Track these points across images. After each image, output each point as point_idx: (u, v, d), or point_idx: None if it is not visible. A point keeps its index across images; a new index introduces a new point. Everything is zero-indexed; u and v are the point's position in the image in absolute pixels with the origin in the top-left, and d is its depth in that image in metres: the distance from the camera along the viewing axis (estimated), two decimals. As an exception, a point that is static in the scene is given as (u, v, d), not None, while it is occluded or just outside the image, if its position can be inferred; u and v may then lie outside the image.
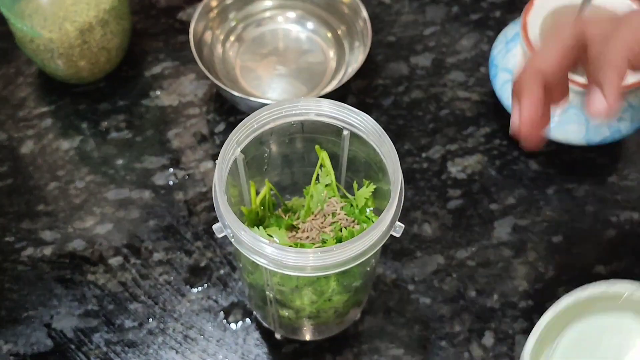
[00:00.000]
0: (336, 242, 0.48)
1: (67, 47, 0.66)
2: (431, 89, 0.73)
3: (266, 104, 0.49)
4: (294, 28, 0.76)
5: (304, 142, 0.51)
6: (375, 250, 0.44)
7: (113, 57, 0.71)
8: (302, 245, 0.48)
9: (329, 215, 0.51)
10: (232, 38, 0.74)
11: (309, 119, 0.48)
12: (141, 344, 0.59)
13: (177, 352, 0.58)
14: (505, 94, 0.66)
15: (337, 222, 0.50)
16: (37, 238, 0.64)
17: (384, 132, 0.46)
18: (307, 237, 0.49)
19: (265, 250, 0.43)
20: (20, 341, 0.59)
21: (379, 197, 0.50)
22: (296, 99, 0.48)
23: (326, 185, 0.52)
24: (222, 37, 0.74)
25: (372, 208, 0.51)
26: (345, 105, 0.48)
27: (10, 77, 0.73)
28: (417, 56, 0.75)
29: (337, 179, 0.53)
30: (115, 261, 0.62)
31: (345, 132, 0.49)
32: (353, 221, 0.50)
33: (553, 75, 0.45)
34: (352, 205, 0.51)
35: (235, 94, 0.65)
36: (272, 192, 0.53)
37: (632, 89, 0.61)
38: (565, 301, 0.51)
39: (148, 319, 0.60)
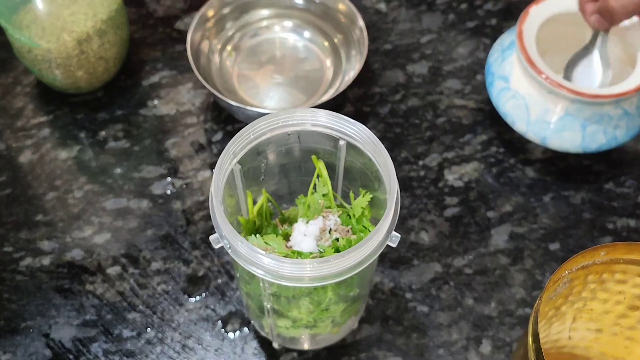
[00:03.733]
0: (333, 252, 0.48)
1: (65, 57, 0.66)
2: (428, 96, 0.73)
3: (263, 113, 0.49)
4: (291, 37, 0.76)
5: (300, 152, 0.51)
6: (371, 260, 0.44)
7: (111, 67, 0.71)
8: (300, 255, 0.48)
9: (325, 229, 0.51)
10: (229, 47, 0.75)
11: (306, 129, 0.48)
12: (139, 354, 0.59)
13: (175, 361, 0.58)
14: (501, 102, 0.66)
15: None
16: (35, 248, 0.64)
17: (380, 142, 0.46)
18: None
19: (262, 261, 0.43)
20: (18, 351, 0.59)
21: (376, 206, 0.50)
22: (292, 109, 0.48)
23: (323, 195, 0.52)
24: (219, 46, 0.74)
25: (368, 217, 0.51)
26: (341, 115, 0.48)
27: (8, 87, 0.73)
28: (414, 64, 0.75)
29: (334, 189, 0.53)
30: (113, 271, 0.63)
31: (341, 142, 0.49)
32: (348, 231, 0.50)
33: None
34: (348, 215, 0.51)
35: (233, 103, 0.65)
36: (269, 202, 0.53)
37: (627, 96, 0.61)
38: None
39: (146, 328, 0.60)
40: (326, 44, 0.75)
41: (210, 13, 0.73)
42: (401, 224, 0.65)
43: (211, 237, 0.45)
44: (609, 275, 0.50)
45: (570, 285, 0.50)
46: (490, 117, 0.72)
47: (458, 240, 0.64)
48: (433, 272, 0.62)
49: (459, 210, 0.66)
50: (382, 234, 0.44)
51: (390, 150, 0.46)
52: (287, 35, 0.76)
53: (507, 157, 0.69)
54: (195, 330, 0.60)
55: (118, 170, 0.68)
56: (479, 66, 0.75)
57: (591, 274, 0.50)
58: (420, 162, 0.69)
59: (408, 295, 0.61)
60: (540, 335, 0.46)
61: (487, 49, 0.76)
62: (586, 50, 0.65)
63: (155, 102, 0.73)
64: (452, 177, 0.68)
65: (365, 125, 0.48)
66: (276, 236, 0.50)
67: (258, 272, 0.43)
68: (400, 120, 0.71)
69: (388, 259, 0.63)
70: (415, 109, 0.72)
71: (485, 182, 0.68)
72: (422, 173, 0.68)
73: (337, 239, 0.50)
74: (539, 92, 0.64)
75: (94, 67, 0.69)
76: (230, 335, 0.60)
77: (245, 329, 0.60)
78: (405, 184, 0.67)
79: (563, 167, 0.68)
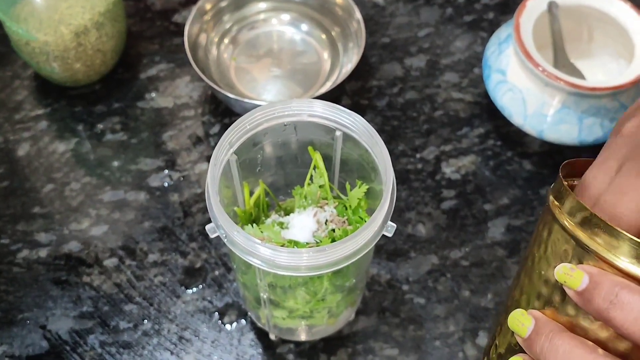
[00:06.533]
0: (330, 242, 0.49)
1: (63, 49, 0.66)
2: (425, 90, 0.73)
3: (260, 106, 0.49)
4: (288, 30, 0.76)
5: (297, 143, 0.51)
6: (367, 250, 0.44)
7: (108, 60, 0.71)
8: (296, 244, 0.48)
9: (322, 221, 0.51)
10: (226, 40, 0.75)
11: (302, 120, 0.48)
12: (136, 345, 0.59)
13: (172, 353, 0.58)
14: (498, 95, 0.66)
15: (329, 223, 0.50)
16: (32, 240, 0.64)
17: (376, 132, 0.46)
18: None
19: (259, 251, 0.43)
20: (15, 343, 0.59)
21: (372, 197, 0.51)
22: (289, 100, 0.49)
23: (320, 186, 0.52)
24: (216, 39, 0.74)
25: (365, 208, 0.51)
26: (338, 106, 0.48)
27: (6, 80, 0.73)
28: (412, 57, 0.75)
29: (330, 180, 0.53)
30: (110, 262, 0.63)
31: (337, 133, 0.49)
32: (344, 222, 0.50)
33: None
34: (345, 206, 0.51)
35: (230, 95, 0.65)
36: (265, 193, 0.54)
37: (624, 89, 0.61)
38: None
39: (143, 320, 0.60)
40: (323, 36, 0.75)
41: (208, 6, 0.73)
42: (398, 217, 0.65)
43: (207, 227, 0.45)
44: None
45: None
46: (487, 111, 0.72)
47: (455, 232, 0.64)
48: (430, 264, 0.63)
49: (456, 202, 0.66)
50: (378, 223, 0.44)
51: (387, 143, 0.47)
52: (284, 28, 0.76)
53: (504, 150, 0.69)
54: (192, 322, 0.60)
55: (115, 163, 0.68)
56: (476, 59, 0.75)
57: None
58: (418, 155, 0.69)
59: (405, 287, 0.61)
60: None
61: (485, 42, 0.76)
62: None
63: (153, 95, 0.73)
64: (449, 170, 0.68)
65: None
66: (273, 226, 0.50)
67: (254, 262, 0.43)
68: (398, 114, 0.71)
69: (385, 250, 0.63)
70: (413, 102, 0.72)
71: (482, 175, 0.68)
72: (419, 166, 0.68)
73: (333, 230, 0.50)
74: (536, 85, 0.64)
75: (91, 59, 0.69)
76: (227, 326, 0.60)
77: (242, 321, 0.60)
78: (402, 177, 0.67)
79: (560, 160, 0.68)
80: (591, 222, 0.36)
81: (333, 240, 0.48)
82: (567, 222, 0.37)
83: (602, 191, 0.37)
